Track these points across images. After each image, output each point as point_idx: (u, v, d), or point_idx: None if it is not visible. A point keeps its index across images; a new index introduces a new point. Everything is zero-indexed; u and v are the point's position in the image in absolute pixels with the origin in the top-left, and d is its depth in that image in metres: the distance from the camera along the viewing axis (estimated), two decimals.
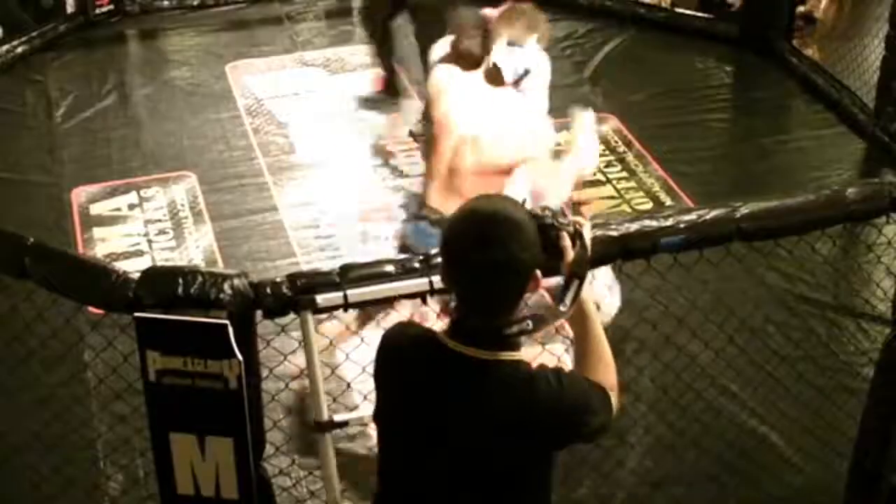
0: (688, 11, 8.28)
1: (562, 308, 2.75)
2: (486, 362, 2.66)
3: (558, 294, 2.78)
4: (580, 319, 2.86)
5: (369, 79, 7.51)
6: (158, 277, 3.11)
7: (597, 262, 3.37)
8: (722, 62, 7.80)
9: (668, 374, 4.42)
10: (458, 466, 2.73)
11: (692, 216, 3.39)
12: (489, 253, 2.55)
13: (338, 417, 3.37)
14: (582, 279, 2.76)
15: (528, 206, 2.79)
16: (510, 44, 4.57)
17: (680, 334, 4.46)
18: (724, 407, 4.60)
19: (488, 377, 2.66)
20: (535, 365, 2.73)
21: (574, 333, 2.91)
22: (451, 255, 2.65)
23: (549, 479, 2.85)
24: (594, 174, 6.39)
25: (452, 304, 2.75)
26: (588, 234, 2.87)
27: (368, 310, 4.17)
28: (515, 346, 2.70)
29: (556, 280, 2.81)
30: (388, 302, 3.20)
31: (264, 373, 3.28)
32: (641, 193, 6.36)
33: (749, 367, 4.72)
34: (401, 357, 2.79)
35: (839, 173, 6.49)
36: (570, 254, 2.79)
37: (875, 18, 7.20)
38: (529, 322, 2.67)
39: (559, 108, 6.93)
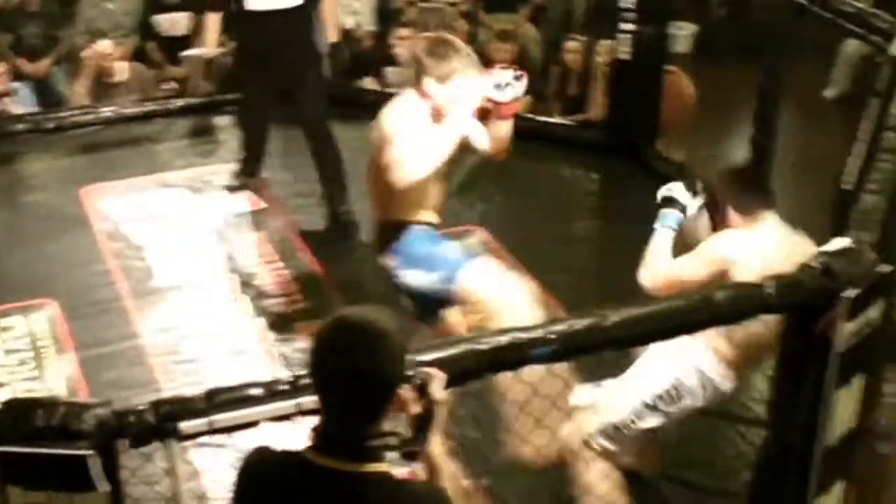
0: (553, 119, 8.36)
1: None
2: (352, 474, 2.61)
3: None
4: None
5: (237, 198, 7.52)
6: (18, 409, 3.02)
7: (469, 375, 3.32)
8: (589, 169, 7.85)
9: None
10: None
11: (562, 326, 3.36)
12: (349, 360, 2.54)
13: None
14: (426, 434, 2.75)
15: None
16: None
17: None
18: None
19: (355, 490, 2.60)
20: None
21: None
22: (314, 362, 2.62)
23: None
24: None
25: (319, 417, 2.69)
26: (438, 387, 2.84)
27: None
28: (380, 458, 2.65)
29: None
30: (254, 425, 3.11)
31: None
32: None
33: None
34: (262, 482, 2.72)
35: None
36: (413, 408, 2.75)
37: (739, 121, 7.33)
38: (394, 438, 2.64)
39: None
